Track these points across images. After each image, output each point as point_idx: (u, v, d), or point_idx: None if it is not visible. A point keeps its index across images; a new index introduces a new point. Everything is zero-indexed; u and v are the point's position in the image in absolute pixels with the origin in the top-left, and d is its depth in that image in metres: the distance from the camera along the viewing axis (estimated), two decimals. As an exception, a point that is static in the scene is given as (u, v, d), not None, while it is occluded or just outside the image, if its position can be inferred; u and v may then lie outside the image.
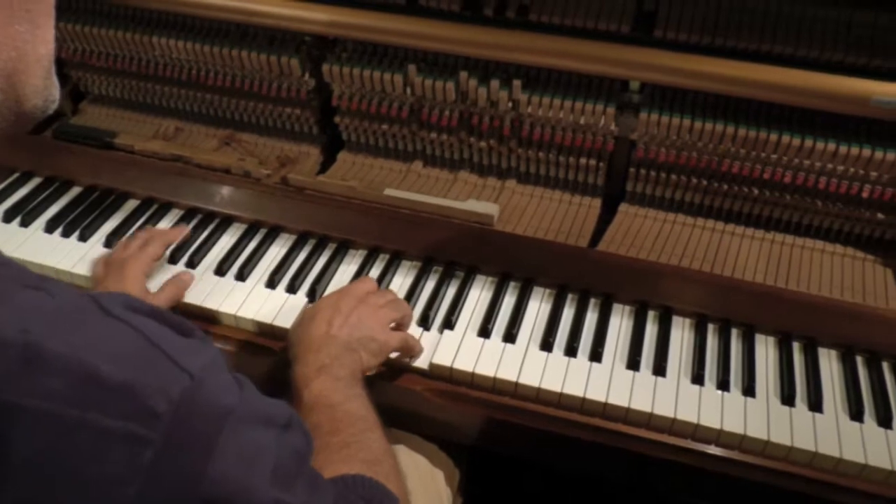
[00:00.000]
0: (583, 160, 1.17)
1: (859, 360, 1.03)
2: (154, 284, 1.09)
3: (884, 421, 0.95)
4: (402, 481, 0.80)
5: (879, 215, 1.10)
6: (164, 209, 1.26)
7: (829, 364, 1.03)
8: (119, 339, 0.54)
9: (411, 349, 1.02)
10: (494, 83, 1.13)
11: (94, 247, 1.19)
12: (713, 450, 0.95)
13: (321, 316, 0.96)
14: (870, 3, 1.00)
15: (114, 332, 0.54)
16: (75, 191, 1.30)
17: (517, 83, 1.12)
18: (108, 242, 1.19)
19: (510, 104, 1.14)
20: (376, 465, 0.77)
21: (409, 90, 1.17)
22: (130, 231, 1.21)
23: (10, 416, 0.48)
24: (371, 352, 0.95)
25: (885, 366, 1.02)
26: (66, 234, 1.21)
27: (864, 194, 1.07)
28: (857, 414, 0.96)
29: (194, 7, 1.19)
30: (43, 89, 0.60)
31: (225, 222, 1.23)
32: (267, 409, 0.61)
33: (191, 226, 1.22)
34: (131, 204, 1.27)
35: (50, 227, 1.22)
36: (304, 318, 0.98)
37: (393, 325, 1.01)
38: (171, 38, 1.24)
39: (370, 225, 1.17)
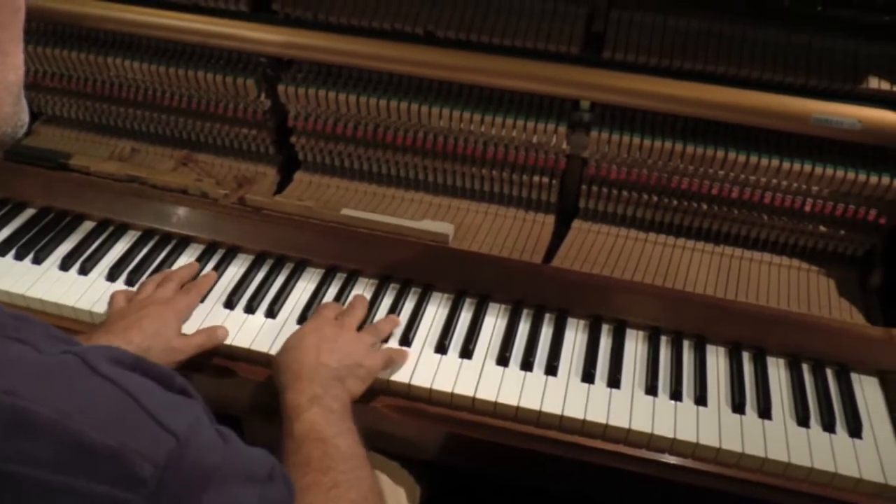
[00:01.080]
0: (536, 178, 1.20)
1: (805, 367, 1.06)
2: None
3: (828, 426, 0.98)
4: None
5: (822, 228, 1.14)
6: (120, 231, 1.24)
7: (778, 372, 1.05)
8: (106, 401, 0.54)
9: (395, 363, 1.03)
10: (449, 105, 1.15)
11: (49, 270, 1.17)
12: (667, 458, 0.97)
13: (308, 342, 0.97)
14: (806, 27, 1.04)
15: (100, 392, 0.54)
16: (29, 213, 1.28)
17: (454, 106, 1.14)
18: (64, 265, 1.17)
19: (471, 126, 1.16)
20: None
21: (364, 110, 1.18)
22: (86, 254, 1.19)
23: None
24: (359, 378, 0.97)
25: (829, 373, 1.05)
26: (19, 257, 1.19)
27: (807, 208, 1.11)
28: (803, 420, 0.98)
29: (149, 28, 1.20)
30: (12, 115, 0.59)
31: (182, 243, 1.23)
32: (249, 464, 0.62)
33: (197, 261, 1.19)
34: (87, 225, 1.26)
35: (2, 251, 1.20)
36: (288, 346, 0.98)
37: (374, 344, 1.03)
38: (127, 58, 1.24)
39: (327, 244, 1.17)
